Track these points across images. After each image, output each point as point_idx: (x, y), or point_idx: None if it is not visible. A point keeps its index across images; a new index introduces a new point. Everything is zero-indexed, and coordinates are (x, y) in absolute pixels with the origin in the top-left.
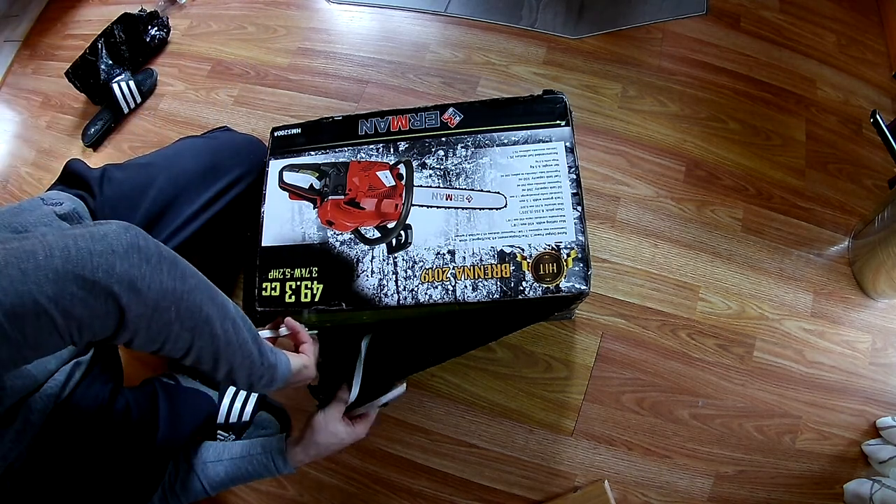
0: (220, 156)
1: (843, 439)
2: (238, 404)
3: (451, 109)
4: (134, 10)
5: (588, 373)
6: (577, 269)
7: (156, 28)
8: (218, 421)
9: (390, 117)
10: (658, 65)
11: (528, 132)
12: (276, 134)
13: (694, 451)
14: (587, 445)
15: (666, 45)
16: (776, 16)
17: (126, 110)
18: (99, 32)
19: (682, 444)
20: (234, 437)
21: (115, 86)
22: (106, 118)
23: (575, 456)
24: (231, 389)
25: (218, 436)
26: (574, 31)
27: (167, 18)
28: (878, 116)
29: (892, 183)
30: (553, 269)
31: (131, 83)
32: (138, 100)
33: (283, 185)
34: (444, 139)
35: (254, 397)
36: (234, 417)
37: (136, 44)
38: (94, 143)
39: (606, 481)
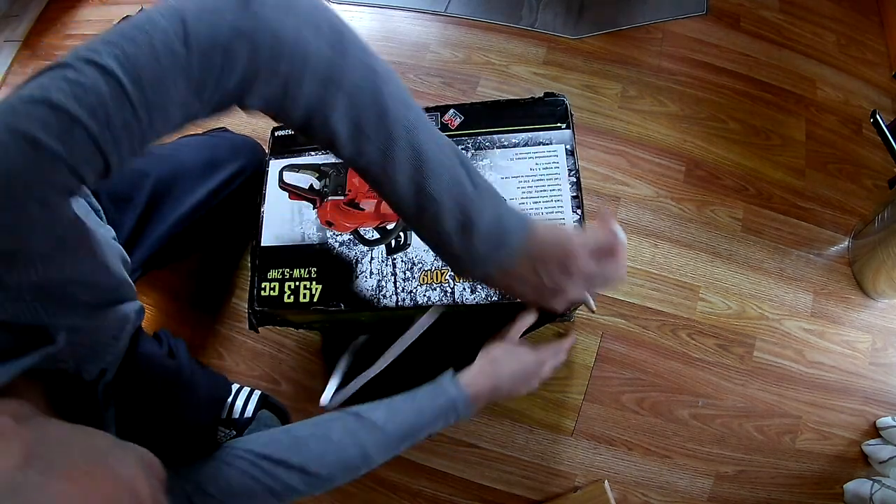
0: (218, 150)
1: (843, 439)
2: (241, 400)
3: (451, 111)
4: (134, 10)
5: (588, 373)
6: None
7: None
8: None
9: None
10: (658, 65)
11: (529, 134)
12: (276, 134)
13: (694, 451)
14: (587, 445)
15: (666, 45)
16: (776, 16)
17: None
18: (99, 33)
19: (682, 444)
20: (234, 433)
21: None
22: None
23: (575, 456)
24: (233, 387)
25: (219, 432)
26: (574, 31)
27: None
28: (878, 116)
29: (892, 183)
30: None
31: None
32: None
33: (283, 185)
34: None
35: (256, 394)
36: (236, 413)
37: None
38: None
39: (606, 481)
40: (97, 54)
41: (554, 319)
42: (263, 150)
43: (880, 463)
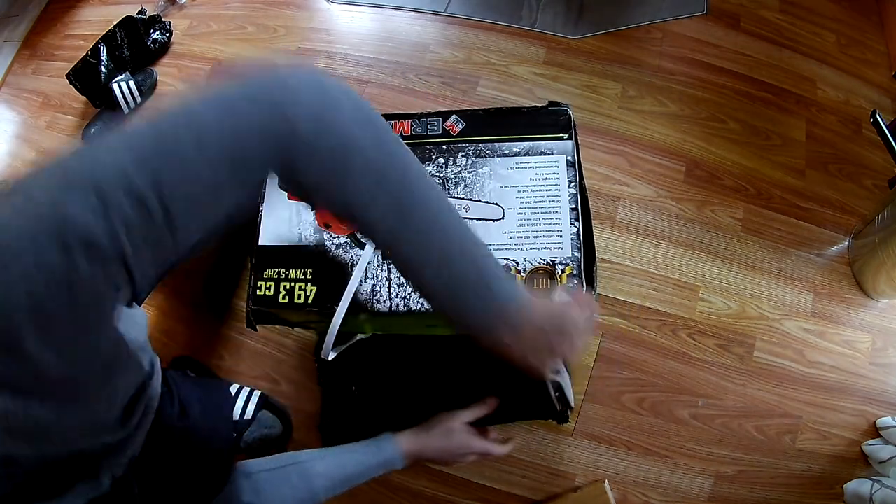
0: None
1: (843, 439)
2: (241, 401)
3: (453, 117)
4: (134, 10)
5: (588, 373)
6: (571, 285)
7: (157, 31)
8: None
9: (392, 122)
10: (658, 65)
11: (530, 144)
12: None
13: (694, 451)
14: (587, 445)
15: (666, 45)
16: (776, 16)
17: (126, 110)
18: (99, 33)
19: (682, 444)
20: (234, 435)
21: (114, 86)
22: (106, 118)
23: (575, 456)
24: (233, 387)
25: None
26: (574, 31)
27: (170, 23)
28: (878, 116)
29: (892, 183)
30: (547, 285)
31: (131, 83)
32: (138, 100)
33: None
34: (444, 147)
35: (256, 395)
36: (236, 415)
37: (138, 47)
38: None
39: (606, 481)
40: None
41: (545, 418)
42: None
43: (880, 463)
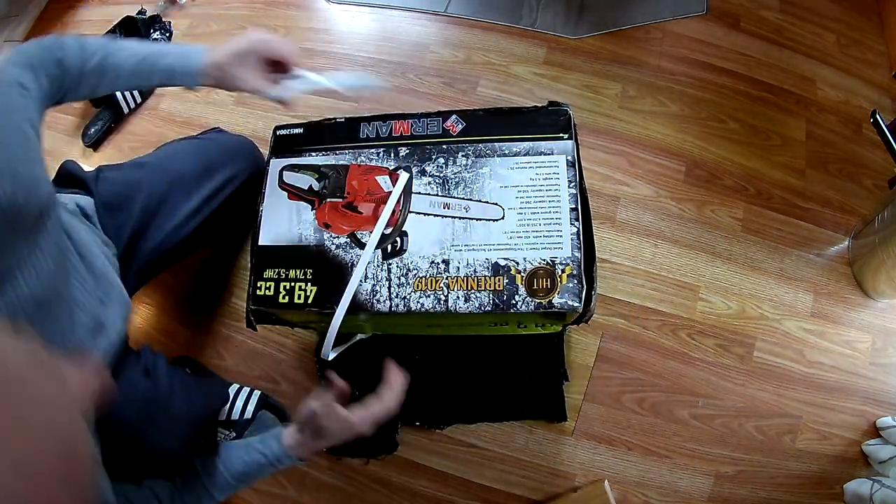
0: (212, 155)
1: (843, 439)
2: (240, 401)
3: (453, 117)
4: (134, 10)
5: (588, 373)
6: (571, 285)
7: (158, 32)
8: (219, 417)
9: (392, 122)
10: (658, 65)
11: (530, 144)
12: (278, 133)
13: (694, 451)
14: (587, 445)
15: (666, 45)
16: (776, 16)
17: (126, 110)
18: (99, 33)
19: (682, 444)
20: (234, 434)
21: None
22: (106, 118)
23: (575, 456)
24: (233, 387)
25: (218, 432)
26: (574, 31)
27: (170, 23)
28: (878, 116)
29: (892, 183)
30: (547, 285)
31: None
32: (138, 100)
33: (283, 185)
34: (444, 147)
35: (256, 394)
36: (235, 414)
37: None
38: (95, 144)
39: (606, 481)
40: None
41: (545, 418)
42: (260, 152)
43: (880, 463)
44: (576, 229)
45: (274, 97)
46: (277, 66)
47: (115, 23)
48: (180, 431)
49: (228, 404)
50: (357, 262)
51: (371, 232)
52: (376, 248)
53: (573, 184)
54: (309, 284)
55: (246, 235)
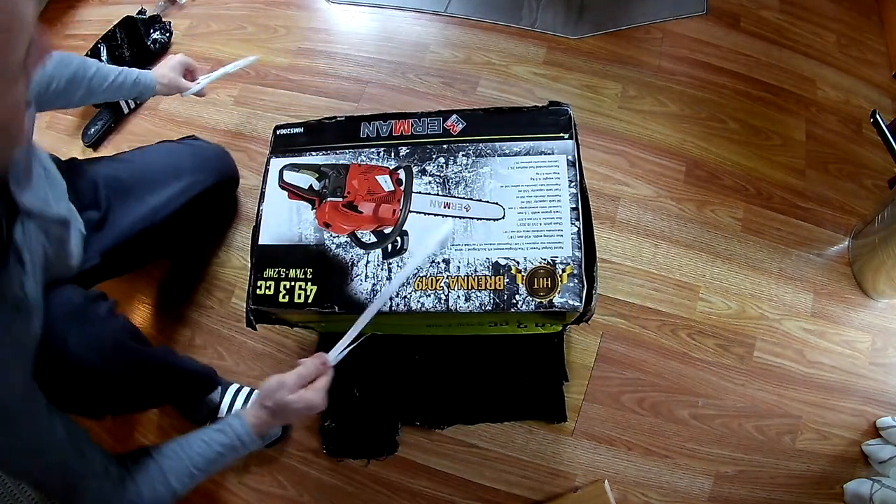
0: (182, 159)
1: (843, 439)
2: (240, 401)
3: (454, 116)
4: (134, 10)
5: (588, 373)
6: (571, 284)
7: (158, 31)
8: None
9: (393, 121)
10: (658, 65)
11: (531, 143)
12: (278, 132)
13: (694, 451)
14: (587, 445)
15: (666, 45)
16: (776, 16)
17: (126, 110)
18: (99, 33)
19: (682, 444)
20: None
21: None
22: (106, 118)
23: (575, 456)
24: (233, 387)
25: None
26: (574, 31)
27: (170, 23)
28: (878, 116)
29: (892, 183)
30: (547, 284)
31: None
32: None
33: (283, 185)
34: (445, 146)
35: (255, 396)
36: None
37: (138, 47)
38: (94, 143)
39: (606, 481)
40: None
41: (545, 418)
42: (234, 163)
43: (880, 463)
44: (576, 229)
45: (195, 91)
46: (189, 74)
47: (114, 23)
48: (104, 347)
49: (227, 405)
50: (357, 262)
51: (371, 231)
52: (377, 246)
53: (574, 183)
54: (309, 284)
55: (211, 243)
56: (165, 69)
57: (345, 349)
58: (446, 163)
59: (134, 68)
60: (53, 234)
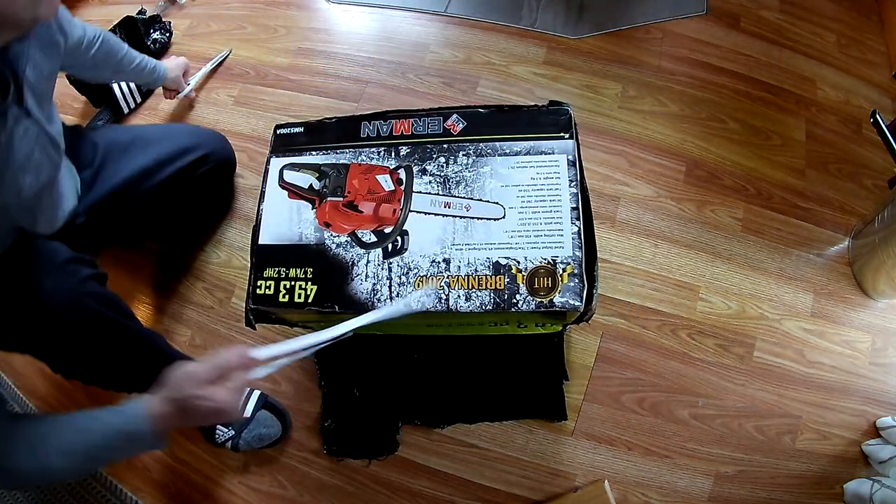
0: (181, 129)
1: (843, 439)
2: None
3: (454, 116)
4: (134, 10)
5: (588, 373)
6: (572, 284)
7: (158, 31)
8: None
9: (393, 121)
10: (658, 65)
11: (531, 143)
12: (278, 132)
13: (694, 451)
14: (587, 445)
15: (666, 45)
16: (776, 16)
17: (126, 110)
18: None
19: (682, 444)
20: (232, 432)
21: (114, 85)
22: (106, 118)
23: (575, 456)
24: None
25: (216, 431)
26: (574, 31)
27: (170, 23)
28: (878, 116)
29: (892, 183)
30: (548, 284)
31: (131, 83)
32: (138, 99)
33: (283, 184)
34: (445, 146)
35: (256, 394)
36: None
37: (138, 47)
38: None
39: (606, 481)
40: None
41: (545, 417)
42: (230, 146)
43: (880, 463)
44: (577, 228)
45: (187, 93)
46: (185, 76)
47: (114, 23)
48: (71, 287)
49: None
50: (358, 261)
51: (371, 231)
52: (377, 246)
53: (574, 183)
54: (309, 283)
55: (211, 243)
56: (172, 65)
57: (279, 360)
58: (447, 162)
59: (151, 57)
60: (47, 151)
